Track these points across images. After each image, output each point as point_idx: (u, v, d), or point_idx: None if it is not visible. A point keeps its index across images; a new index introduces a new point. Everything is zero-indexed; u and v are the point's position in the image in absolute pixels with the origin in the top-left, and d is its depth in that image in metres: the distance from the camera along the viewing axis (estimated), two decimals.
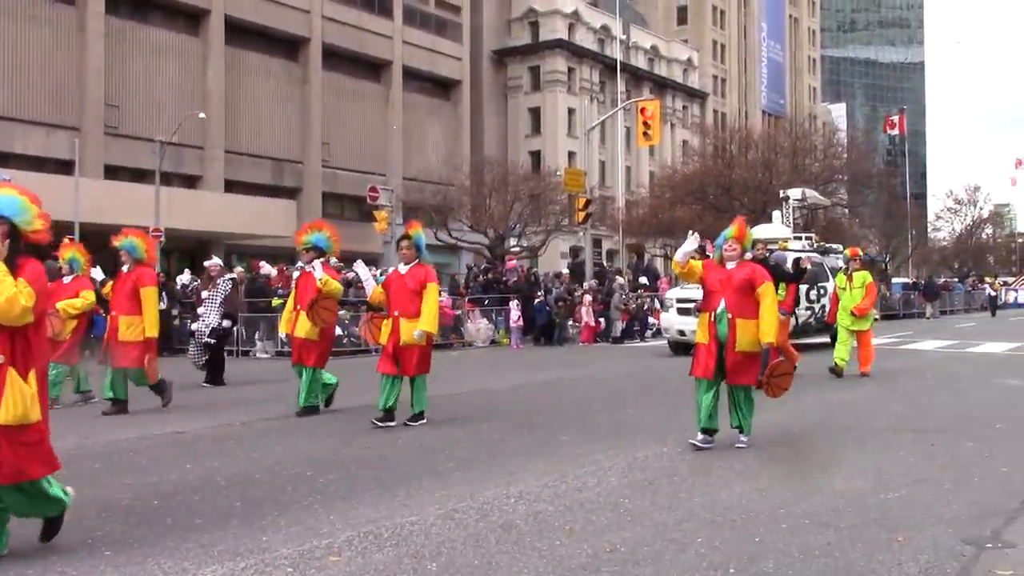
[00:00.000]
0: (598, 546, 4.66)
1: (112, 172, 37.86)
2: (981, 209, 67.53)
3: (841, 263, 21.62)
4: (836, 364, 13.22)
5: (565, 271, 30.72)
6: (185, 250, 40.09)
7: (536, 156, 59.52)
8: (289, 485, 6.25)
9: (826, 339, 19.25)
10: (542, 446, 7.72)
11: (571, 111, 62.29)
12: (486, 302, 24.57)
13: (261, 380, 15.29)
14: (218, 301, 14.08)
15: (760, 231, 22.43)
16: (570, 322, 24.63)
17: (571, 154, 59.95)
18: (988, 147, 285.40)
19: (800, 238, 22.47)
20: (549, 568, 4.32)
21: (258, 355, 20.84)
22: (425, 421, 8.95)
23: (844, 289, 13.77)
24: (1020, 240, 77.50)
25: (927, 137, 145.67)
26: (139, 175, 37.35)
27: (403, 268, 9.09)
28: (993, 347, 19.45)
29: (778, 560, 4.39)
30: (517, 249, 40.80)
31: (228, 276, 14.81)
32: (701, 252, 12.05)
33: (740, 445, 7.45)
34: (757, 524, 5.04)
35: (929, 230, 69.73)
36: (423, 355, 8.91)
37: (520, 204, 41.30)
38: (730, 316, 7.33)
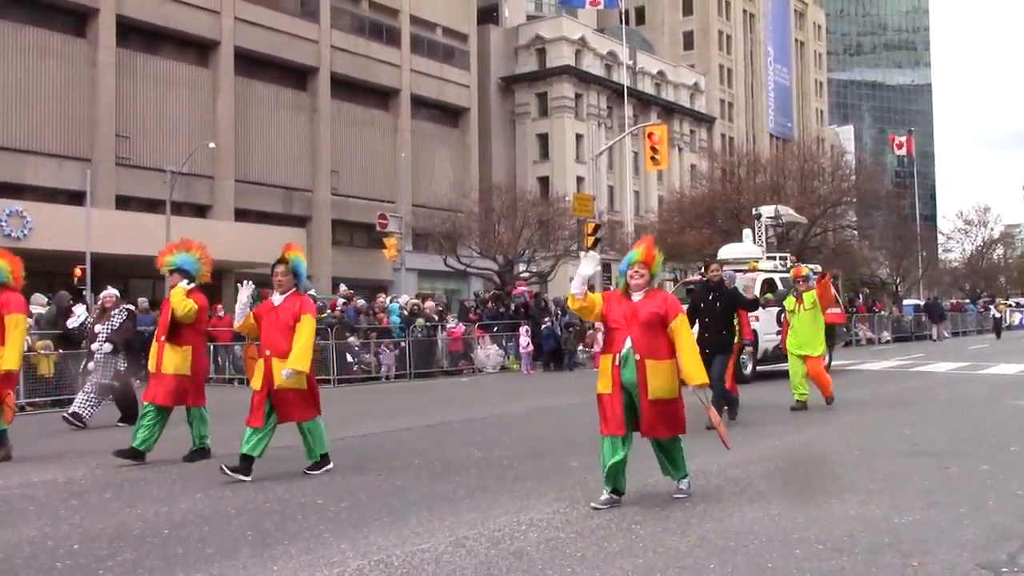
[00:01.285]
0: (610, 573, 4.63)
1: (123, 202, 38.18)
2: (992, 230, 67.35)
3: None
4: (796, 400, 12.13)
5: None
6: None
7: (544, 182, 59.71)
8: (299, 514, 6.23)
9: None
10: (553, 472, 7.69)
11: (579, 137, 62.57)
12: (495, 328, 24.57)
13: None
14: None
15: (729, 251, 21.55)
16: (580, 347, 24.59)
17: (579, 179, 60.14)
18: (998, 167, 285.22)
19: (774, 258, 21.55)
20: None
21: None
22: (331, 465, 7.92)
23: (793, 312, 12.46)
24: None
25: (936, 158, 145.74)
26: (150, 205, 37.64)
27: (277, 298, 7.86)
28: (1006, 368, 19.32)
29: None
30: (527, 275, 40.83)
31: (124, 307, 13.21)
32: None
33: (680, 495, 6.41)
34: (770, 550, 5.00)
35: (939, 251, 69.52)
36: (302, 398, 7.71)
37: (529, 230, 41.39)
38: (638, 358, 6.10)
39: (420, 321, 22.45)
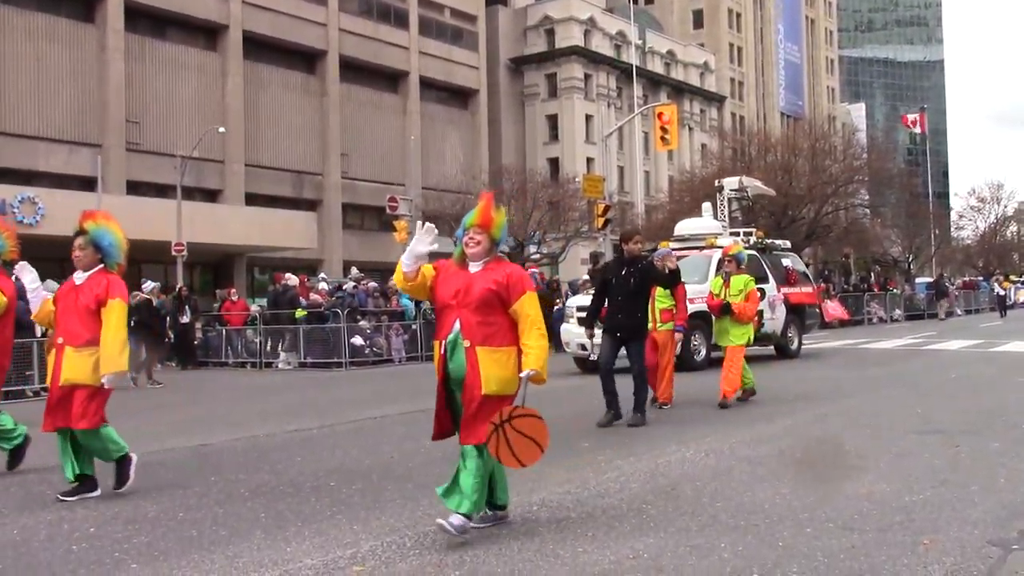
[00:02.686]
0: (621, 553, 4.65)
1: (134, 188, 38.30)
2: (1005, 207, 66.94)
3: (789, 263, 19.20)
4: (744, 387, 10.82)
5: (585, 277, 30.65)
6: (207, 264, 40.43)
7: (554, 163, 59.62)
8: (312, 496, 6.28)
9: (768, 350, 17.79)
10: (563, 453, 7.69)
11: (588, 117, 62.35)
12: None
13: (284, 391, 15.38)
14: None
15: (686, 226, 20.03)
16: None
17: (589, 160, 60.01)
18: (1012, 143, 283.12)
19: (737, 233, 19.79)
20: (572, 575, 4.33)
21: (280, 366, 20.96)
22: (98, 492, 6.42)
23: (719, 297, 11.01)
24: None
25: (948, 135, 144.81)
26: (161, 190, 37.76)
27: (80, 277, 6.48)
28: (1018, 347, 19.25)
29: (802, 565, 4.37)
30: (537, 256, 40.85)
31: None
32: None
33: (449, 528, 4.82)
34: (781, 528, 5.02)
35: (952, 229, 69.19)
36: (90, 399, 6.25)
37: (539, 211, 41.41)
38: (467, 344, 4.91)
39: (427, 303, 22.49)
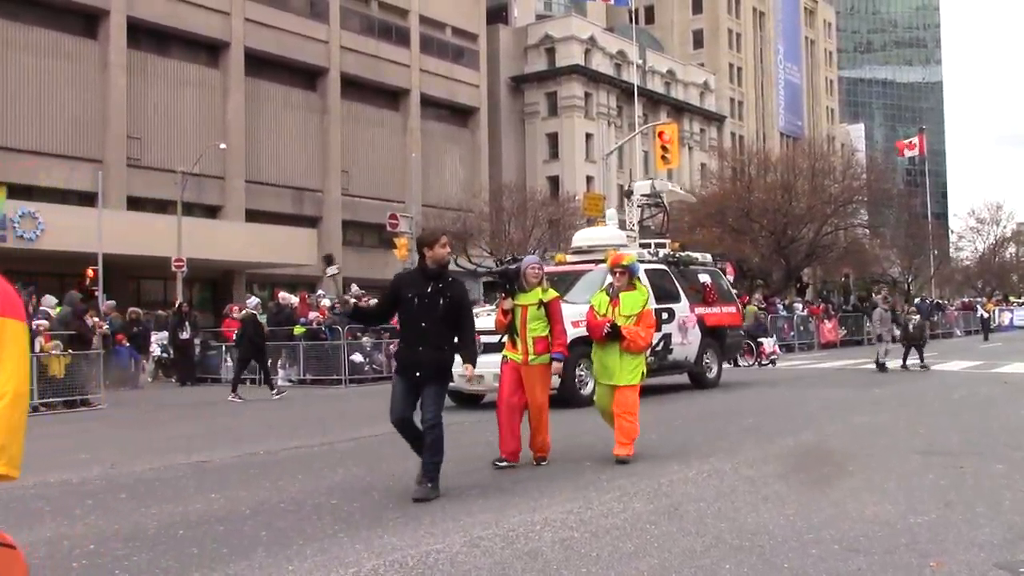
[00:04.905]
0: (626, 573, 4.62)
1: (135, 204, 38.31)
2: (1004, 228, 67.02)
3: (707, 279, 16.60)
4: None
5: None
6: (207, 280, 40.41)
7: (554, 181, 59.69)
8: (314, 514, 6.24)
9: (681, 378, 15.96)
10: (565, 472, 7.68)
11: (589, 136, 62.50)
12: None
13: (284, 408, 15.33)
14: None
15: (585, 236, 17.39)
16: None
17: (589, 179, 60.08)
18: (1011, 164, 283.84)
19: (648, 244, 17.01)
20: None
21: (279, 383, 20.89)
22: None
23: (605, 316, 8.27)
24: None
25: (947, 155, 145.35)
26: (161, 206, 37.75)
27: None
28: (1020, 367, 19.22)
29: None
30: None
31: None
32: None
33: None
34: (785, 550, 4.98)
35: (951, 250, 69.28)
36: None
37: (539, 229, 41.46)
38: None
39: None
